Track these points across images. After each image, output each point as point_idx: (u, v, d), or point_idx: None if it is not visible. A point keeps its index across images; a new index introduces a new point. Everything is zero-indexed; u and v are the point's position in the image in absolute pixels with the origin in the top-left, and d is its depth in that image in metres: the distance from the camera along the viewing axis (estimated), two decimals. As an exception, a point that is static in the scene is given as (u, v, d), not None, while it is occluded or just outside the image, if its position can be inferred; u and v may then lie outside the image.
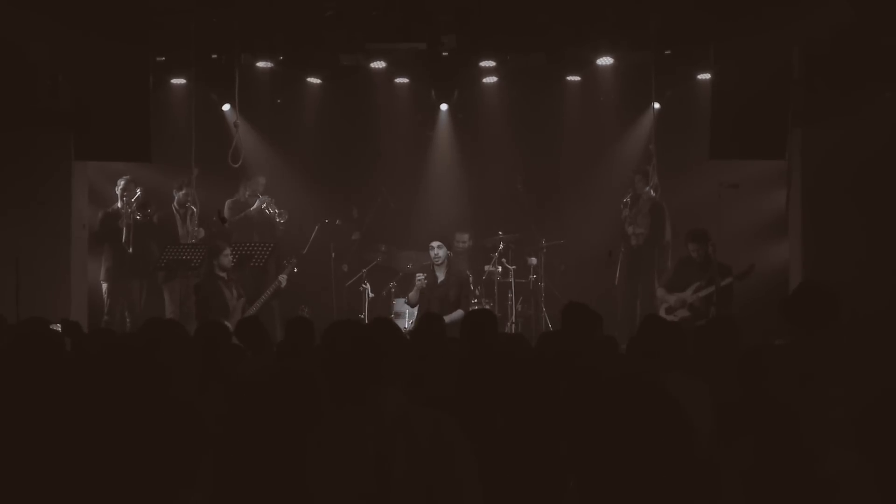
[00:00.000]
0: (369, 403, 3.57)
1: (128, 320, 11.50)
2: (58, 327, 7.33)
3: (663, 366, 5.06)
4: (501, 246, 12.52)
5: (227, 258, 10.60)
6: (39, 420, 4.22)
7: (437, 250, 11.27)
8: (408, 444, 3.48)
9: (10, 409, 4.36)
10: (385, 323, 5.25)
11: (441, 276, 11.33)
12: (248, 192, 12.62)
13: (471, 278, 11.91)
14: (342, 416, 3.61)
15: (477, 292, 12.32)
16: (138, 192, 11.67)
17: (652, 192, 12.07)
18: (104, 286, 11.58)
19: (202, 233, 11.91)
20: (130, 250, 11.49)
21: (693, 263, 10.86)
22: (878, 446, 2.85)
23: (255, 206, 12.35)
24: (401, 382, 3.62)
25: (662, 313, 10.90)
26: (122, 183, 11.67)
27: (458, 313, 10.80)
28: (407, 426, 3.52)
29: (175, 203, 12.01)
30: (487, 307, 12.16)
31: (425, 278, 11.34)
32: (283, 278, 11.18)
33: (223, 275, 10.58)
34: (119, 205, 11.65)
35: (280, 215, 12.37)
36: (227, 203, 12.60)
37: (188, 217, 11.91)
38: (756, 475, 4.02)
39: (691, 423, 2.51)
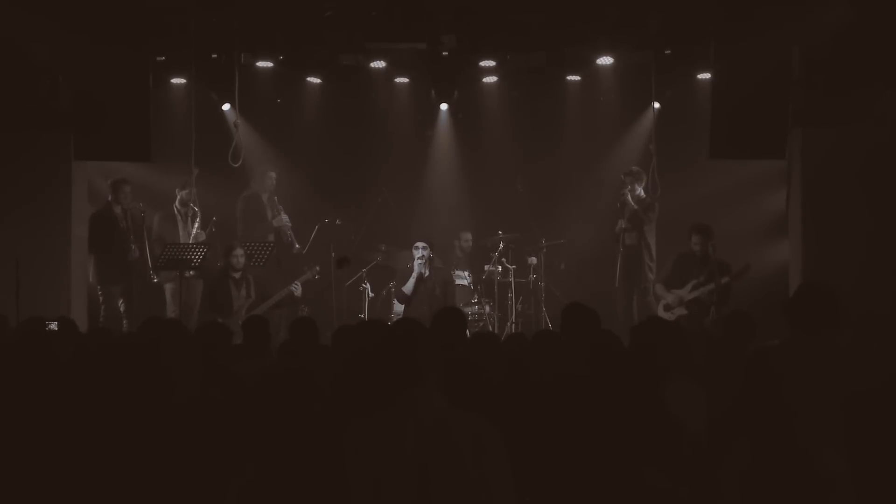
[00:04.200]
0: (409, 406, 3.56)
1: (125, 320, 11.46)
2: (54, 326, 7.33)
3: (662, 368, 5.08)
4: (501, 246, 12.54)
5: (235, 258, 11.08)
6: (39, 420, 4.21)
7: (423, 251, 11.29)
8: (447, 448, 3.46)
9: (9, 410, 4.36)
10: (421, 326, 5.26)
11: (425, 273, 11.31)
12: (260, 189, 12.79)
13: (462, 278, 11.93)
14: (382, 418, 3.59)
15: (477, 292, 12.35)
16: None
17: (642, 192, 12.04)
18: (99, 289, 11.55)
19: (203, 236, 11.93)
20: (133, 248, 11.51)
21: (692, 259, 10.91)
22: (865, 443, 2.86)
23: (276, 222, 12.52)
24: (438, 384, 3.61)
25: (660, 311, 10.94)
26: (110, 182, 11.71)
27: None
28: (446, 430, 3.50)
29: (177, 202, 12.02)
30: (488, 307, 12.20)
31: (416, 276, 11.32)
32: (296, 287, 11.26)
33: (235, 275, 11.05)
34: (110, 198, 11.64)
35: (294, 247, 12.57)
36: (242, 196, 12.76)
37: (189, 218, 11.93)
38: (753, 475, 4.02)
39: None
